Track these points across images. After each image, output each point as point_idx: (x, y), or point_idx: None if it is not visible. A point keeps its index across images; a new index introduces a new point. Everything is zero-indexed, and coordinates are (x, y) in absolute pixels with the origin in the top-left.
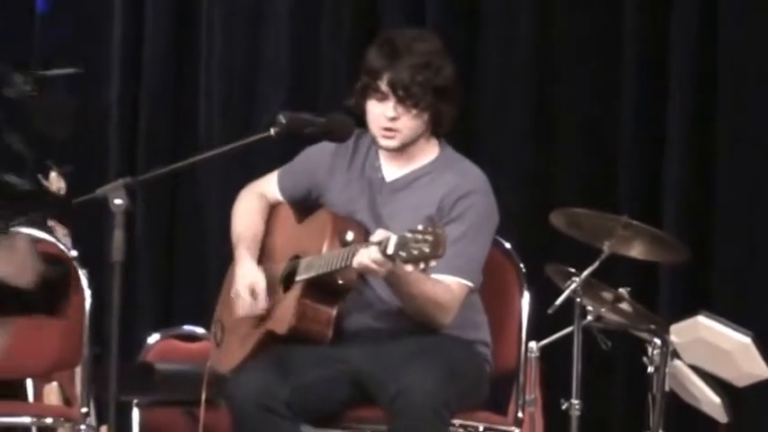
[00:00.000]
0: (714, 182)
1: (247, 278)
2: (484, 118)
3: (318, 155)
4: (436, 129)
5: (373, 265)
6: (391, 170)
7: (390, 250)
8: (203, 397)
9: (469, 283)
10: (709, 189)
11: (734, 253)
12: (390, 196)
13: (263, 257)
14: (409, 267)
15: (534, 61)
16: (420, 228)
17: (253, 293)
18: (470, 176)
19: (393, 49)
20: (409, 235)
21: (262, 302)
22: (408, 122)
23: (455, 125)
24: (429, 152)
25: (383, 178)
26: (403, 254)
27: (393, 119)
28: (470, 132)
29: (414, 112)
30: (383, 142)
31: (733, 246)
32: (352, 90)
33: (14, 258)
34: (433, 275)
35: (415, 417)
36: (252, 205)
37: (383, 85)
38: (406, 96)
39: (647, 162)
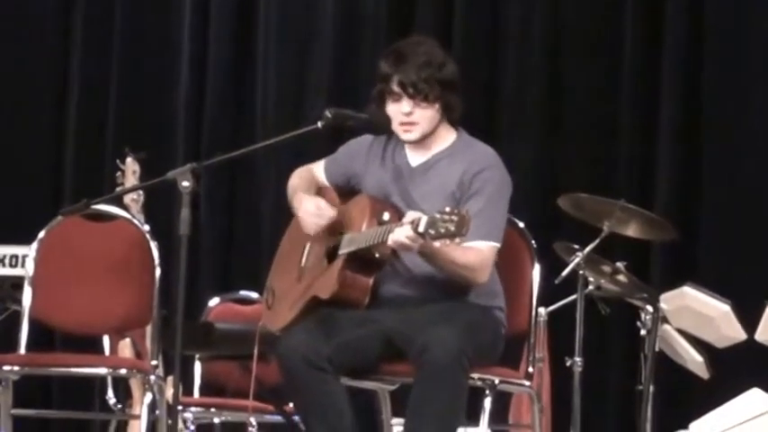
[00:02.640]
0: (701, 171)
1: (310, 201)
2: (501, 116)
3: (357, 147)
4: (449, 117)
5: (407, 242)
6: (415, 157)
7: (421, 228)
8: (256, 352)
9: (497, 244)
10: (696, 177)
11: (716, 233)
12: (417, 179)
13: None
14: (437, 243)
15: (545, 63)
16: (447, 209)
17: (318, 209)
18: (483, 154)
19: (398, 55)
20: (437, 215)
21: (328, 213)
22: (423, 114)
23: (476, 122)
24: (447, 138)
25: (409, 165)
26: (432, 231)
27: (408, 114)
28: (489, 128)
29: (424, 104)
30: (404, 136)
31: (715, 227)
32: (371, 97)
33: None
34: (465, 244)
35: (439, 367)
36: (305, 177)
37: (395, 87)
38: (415, 93)
39: (641, 153)
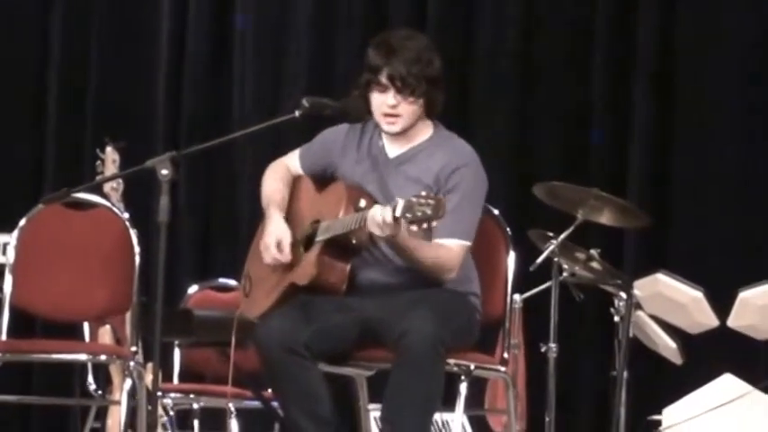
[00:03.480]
0: (672, 160)
1: (276, 233)
2: (477, 105)
3: (333, 136)
4: (429, 112)
5: (387, 219)
6: (393, 149)
7: (399, 212)
8: (233, 339)
9: (468, 243)
10: (668, 166)
11: (688, 220)
12: (394, 170)
13: (287, 220)
14: (414, 227)
15: (520, 57)
16: (423, 194)
17: (279, 246)
18: (461, 151)
19: (389, 47)
20: (414, 199)
21: (286, 254)
22: (407, 108)
23: (451, 112)
24: (424, 132)
25: (387, 155)
26: (409, 215)
27: (393, 106)
28: (466, 117)
29: (410, 99)
30: (387, 127)
31: (688, 214)
32: (356, 85)
33: None
34: (437, 240)
35: (416, 353)
36: (279, 175)
37: (383, 79)
38: (403, 87)
39: (614, 143)
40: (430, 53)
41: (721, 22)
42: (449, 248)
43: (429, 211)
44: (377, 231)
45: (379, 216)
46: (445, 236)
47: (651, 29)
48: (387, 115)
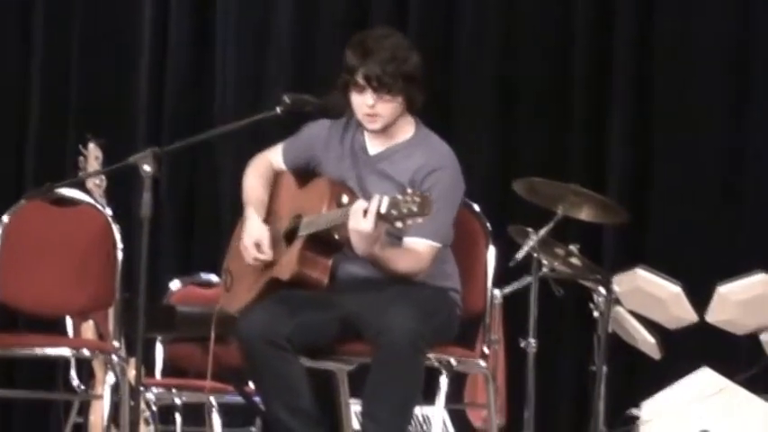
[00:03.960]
0: (651, 157)
1: (254, 234)
2: (459, 103)
3: (316, 130)
4: (410, 108)
5: (369, 211)
6: (374, 146)
7: (384, 209)
8: (213, 334)
9: (438, 244)
10: (647, 163)
11: (667, 216)
12: (372, 167)
13: (269, 216)
14: (399, 224)
15: (500, 56)
16: (409, 191)
17: (258, 247)
18: (439, 153)
19: (365, 48)
20: (400, 197)
21: (267, 254)
22: (385, 107)
23: (434, 110)
24: (406, 131)
25: (367, 152)
26: (394, 212)
27: (372, 106)
28: (448, 115)
29: (387, 98)
30: (368, 126)
31: (666, 210)
32: (336, 86)
33: None
34: (407, 238)
35: (396, 349)
36: (260, 172)
37: (360, 79)
38: (379, 86)
39: (595, 140)
40: (406, 51)
41: (695, 26)
42: (418, 253)
43: (415, 209)
44: (356, 225)
45: (362, 209)
46: (416, 235)
47: (631, 28)
48: (367, 115)
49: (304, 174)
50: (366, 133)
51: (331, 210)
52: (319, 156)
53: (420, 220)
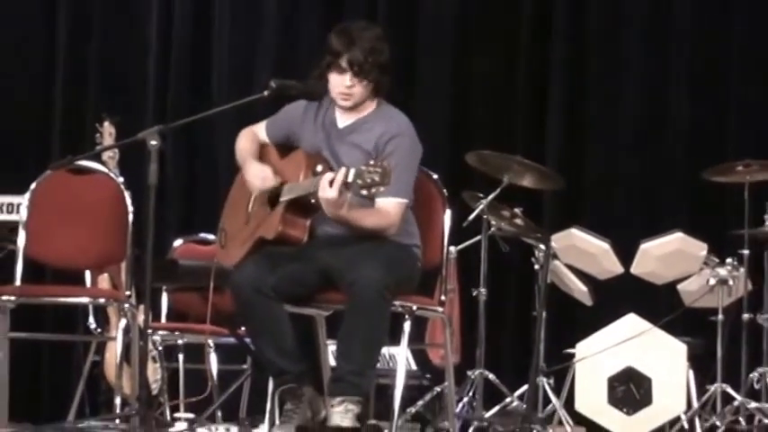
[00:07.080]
0: (585, 130)
1: (258, 173)
2: (421, 84)
3: (293, 111)
4: (377, 93)
5: (337, 180)
6: (343, 120)
7: (350, 178)
8: (212, 285)
9: (404, 200)
10: (582, 135)
11: (598, 183)
12: (342, 138)
13: None
14: (364, 192)
15: (457, 41)
16: (371, 162)
17: (263, 179)
18: (397, 123)
19: (349, 36)
20: (363, 168)
21: (269, 184)
22: (359, 89)
23: (402, 92)
24: (369, 106)
25: (337, 126)
26: (359, 181)
27: (349, 87)
28: (412, 96)
29: (364, 83)
30: (341, 103)
31: (597, 178)
32: (318, 65)
33: None
34: (378, 200)
35: (365, 297)
36: (249, 140)
37: (343, 63)
38: (359, 71)
39: (536, 116)
40: (383, 44)
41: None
42: (386, 211)
43: (377, 178)
44: (323, 193)
45: (328, 179)
46: (385, 195)
47: (566, 21)
48: (342, 93)
49: (284, 147)
50: (336, 109)
51: (307, 178)
52: (297, 131)
53: (382, 188)
